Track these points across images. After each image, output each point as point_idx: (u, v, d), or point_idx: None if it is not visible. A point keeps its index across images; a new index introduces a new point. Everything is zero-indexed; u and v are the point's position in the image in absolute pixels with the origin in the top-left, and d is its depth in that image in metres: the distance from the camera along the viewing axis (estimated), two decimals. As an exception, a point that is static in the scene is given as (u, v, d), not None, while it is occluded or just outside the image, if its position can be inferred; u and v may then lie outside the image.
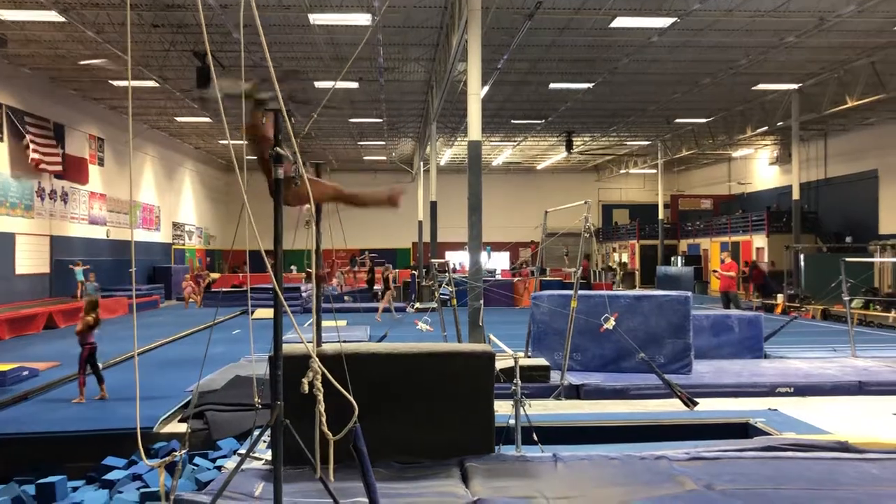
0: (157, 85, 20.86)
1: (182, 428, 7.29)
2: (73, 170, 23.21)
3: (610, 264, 40.54)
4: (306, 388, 4.06)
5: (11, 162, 19.89)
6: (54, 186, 22.39)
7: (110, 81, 21.58)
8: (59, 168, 21.80)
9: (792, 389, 9.27)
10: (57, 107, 22.34)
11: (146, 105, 25.02)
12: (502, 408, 6.26)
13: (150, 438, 7.20)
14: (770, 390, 9.23)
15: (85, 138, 24.56)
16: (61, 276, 22.14)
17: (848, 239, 26.96)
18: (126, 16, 15.58)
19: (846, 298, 12.52)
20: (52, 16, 15.38)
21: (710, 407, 8.12)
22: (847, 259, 12.96)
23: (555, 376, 9.31)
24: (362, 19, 15.99)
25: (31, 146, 20.16)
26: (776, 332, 13.15)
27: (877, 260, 21.53)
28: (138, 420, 4.12)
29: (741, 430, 7.27)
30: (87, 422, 7.73)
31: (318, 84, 21.08)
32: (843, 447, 6.04)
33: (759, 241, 30.27)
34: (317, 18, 15.89)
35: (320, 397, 4.11)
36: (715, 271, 19.49)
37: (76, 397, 8.81)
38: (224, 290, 26.02)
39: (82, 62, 18.67)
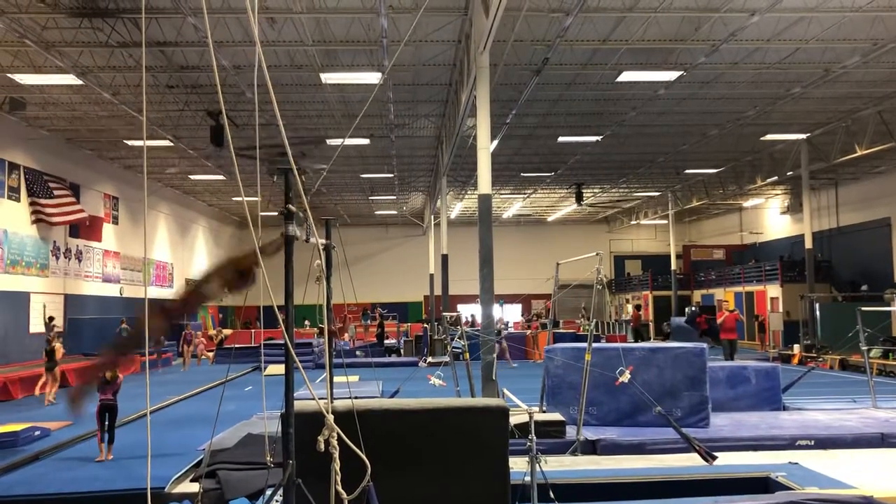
0: (172, 144, 21.21)
1: (194, 488, 7.21)
2: (88, 228, 23.48)
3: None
4: (322, 446, 4.02)
5: (31, 221, 20.18)
6: (69, 245, 22.62)
7: (125, 141, 21.97)
8: (79, 217, 22.01)
9: (812, 442, 9.10)
10: (73, 167, 22.71)
11: (160, 163, 25.40)
12: (517, 464, 6.16)
13: (162, 498, 7.11)
14: (790, 443, 9.07)
15: (100, 197, 24.88)
16: (75, 335, 22.20)
17: (864, 287, 26.75)
18: (141, 78, 15.94)
19: (864, 348, 12.37)
20: (69, 79, 15.75)
21: (729, 461, 7.97)
22: (864, 308, 12.84)
23: (570, 431, 9.19)
24: (373, 77, 16.28)
25: (44, 206, 20.49)
26: (794, 384, 12.96)
27: (894, 309, 21.31)
28: (149, 482, 4.08)
29: (762, 484, 7.12)
30: (99, 482, 7.66)
31: (330, 141, 21.38)
32: (868, 502, 5.90)
33: (774, 290, 30.08)
34: (328, 77, 16.19)
35: (335, 455, 4.06)
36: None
37: (97, 455, 8.78)
38: (237, 346, 25.99)
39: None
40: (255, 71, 3.88)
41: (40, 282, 20.85)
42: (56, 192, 21.30)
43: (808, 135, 22.78)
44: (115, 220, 26.29)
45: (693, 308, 33.34)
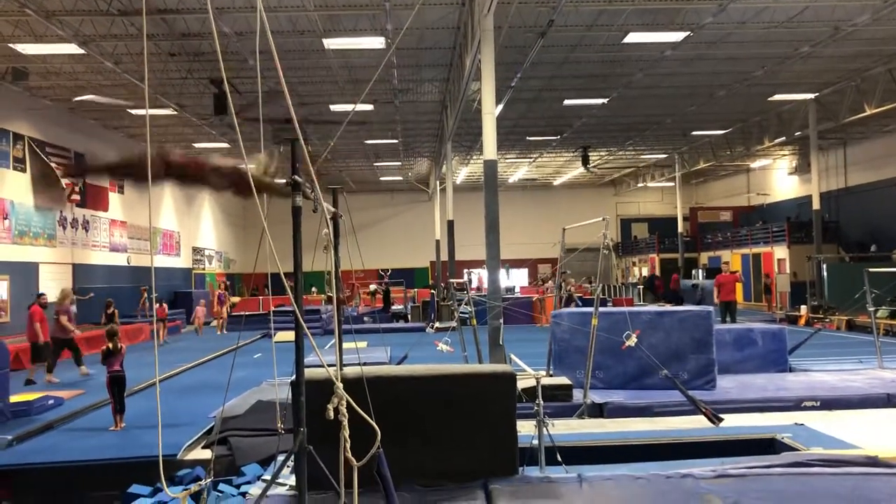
0: (175, 112, 21.13)
1: (206, 454, 7.30)
2: (94, 198, 23.53)
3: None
4: (331, 414, 4.07)
5: (35, 192, 20.20)
6: (76, 215, 22.68)
7: (129, 110, 21.89)
8: (78, 198, 22.20)
9: (818, 403, 9.13)
10: (77, 136, 22.66)
11: (164, 132, 25.33)
12: (525, 428, 6.21)
13: (175, 465, 7.21)
14: (796, 404, 9.10)
15: (105, 167, 24.85)
16: (84, 304, 22.35)
17: (873, 248, 26.66)
18: (143, 46, 15.83)
19: (871, 309, 12.36)
20: (71, 48, 15.66)
21: (735, 423, 8.01)
22: (871, 269, 12.80)
23: (577, 395, 9.24)
24: (376, 42, 16.14)
25: (61, 172, 20.61)
26: (800, 345, 12.99)
27: (901, 269, 21.25)
28: (161, 449, 4.13)
29: (767, 445, 7.16)
30: (112, 450, 7.76)
31: (334, 107, 21.27)
32: (873, 462, 5.93)
33: (781, 252, 30.02)
34: (331, 43, 16.05)
35: (345, 423, 4.11)
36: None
37: (111, 425, 8.88)
38: (247, 313, 26.09)
39: (96, 99, 18.75)
40: (256, 37, 3.85)
41: (48, 252, 20.94)
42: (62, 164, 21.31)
43: (817, 94, 22.56)
44: (121, 190, 26.31)
45: (653, 273, 34.15)
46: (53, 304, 14.64)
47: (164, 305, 23.08)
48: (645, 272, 40.32)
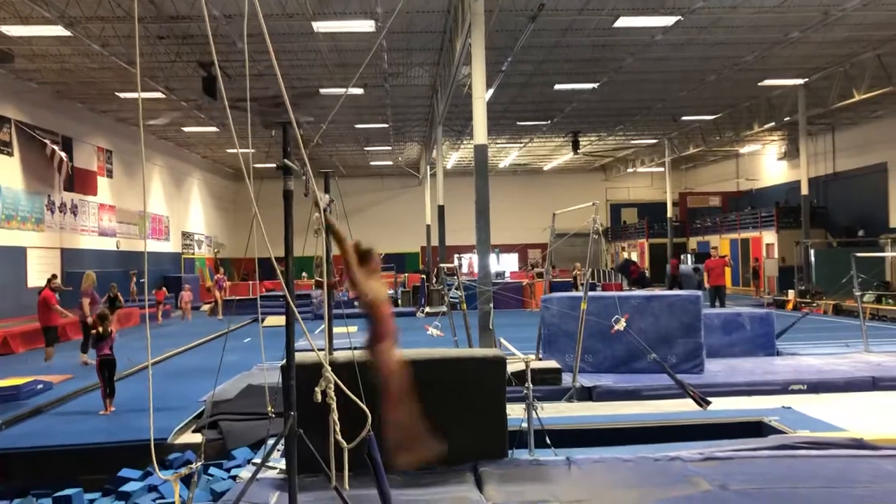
0: (164, 96, 20.97)
1: (197, 438, 7.31)
2: (82, 182, 23.37)
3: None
4: (319, 397, 4.08)
5: (24, 175, 20.05)
6: (64, 199, 22.53)
7: (117, 94, 21.71)
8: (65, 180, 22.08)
9: (805, 387, 9.23)
10: (64, 120, 22.48)
11: (153, 116, 25.14)
12: (514, 411, 6.25)
13: (165, 450, 7.22)
14: (783, 388, 9.19)
15: (93, 150, 24.69)
16: (74, 289, 22.25)
17: (860, 233, 26.84)
18: (131, 28, 15.68)
19: (857, 293, 12.46)
20: (57, 30, 15.50)
21: (723, 406, 8.08)
22: (858, 254, 12.90)
23: (566, 378, 9.30)
24: (366, 26, 16.04)
25: (54, 151, 20.52)
26: (788, 329, 13.09)
27: (888, 254, 21.41)
28: (152, 432, 4.14)
29: (755, 428, 7.24)
30: (102, 434, 7.77)
31: (323, 91, 21.16)
32: (858, 444, 6.02)
33: (769, 237, 30.17)
34: (320, 26, 15.95)
35: (334, 406, 4.13)
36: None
37: (101, 409, 8.87)
38: (237, 298, 26.04)
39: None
40: (245, 20, 3.83)
41: (36, 236, 20.81)
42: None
43: (806, 80, 22.59)
44: (110, 174, 26.14)
45: (627, 257, 34.27)
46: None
47: (164, 290, 24.36)
48: (634, 257, 40.42)
